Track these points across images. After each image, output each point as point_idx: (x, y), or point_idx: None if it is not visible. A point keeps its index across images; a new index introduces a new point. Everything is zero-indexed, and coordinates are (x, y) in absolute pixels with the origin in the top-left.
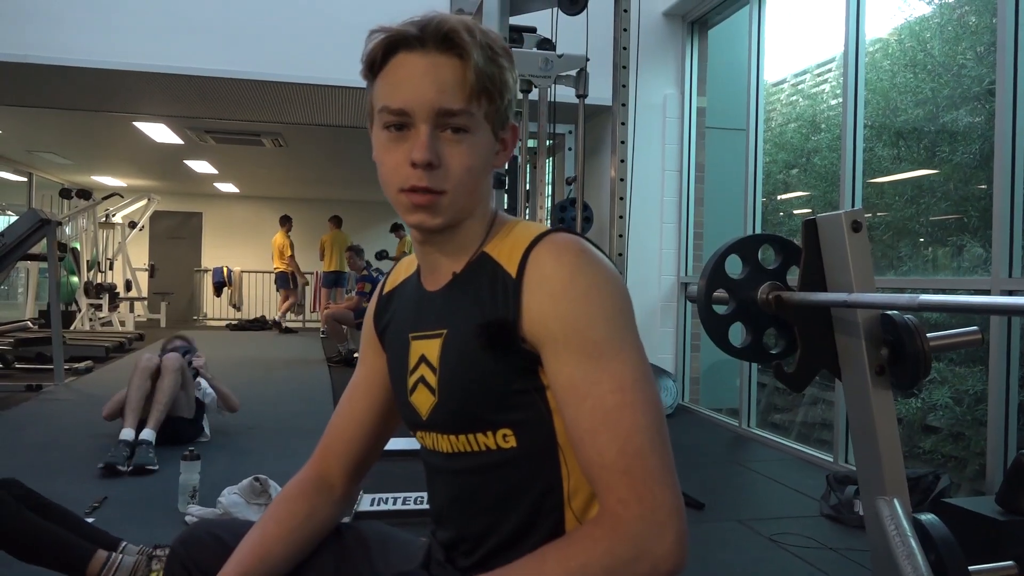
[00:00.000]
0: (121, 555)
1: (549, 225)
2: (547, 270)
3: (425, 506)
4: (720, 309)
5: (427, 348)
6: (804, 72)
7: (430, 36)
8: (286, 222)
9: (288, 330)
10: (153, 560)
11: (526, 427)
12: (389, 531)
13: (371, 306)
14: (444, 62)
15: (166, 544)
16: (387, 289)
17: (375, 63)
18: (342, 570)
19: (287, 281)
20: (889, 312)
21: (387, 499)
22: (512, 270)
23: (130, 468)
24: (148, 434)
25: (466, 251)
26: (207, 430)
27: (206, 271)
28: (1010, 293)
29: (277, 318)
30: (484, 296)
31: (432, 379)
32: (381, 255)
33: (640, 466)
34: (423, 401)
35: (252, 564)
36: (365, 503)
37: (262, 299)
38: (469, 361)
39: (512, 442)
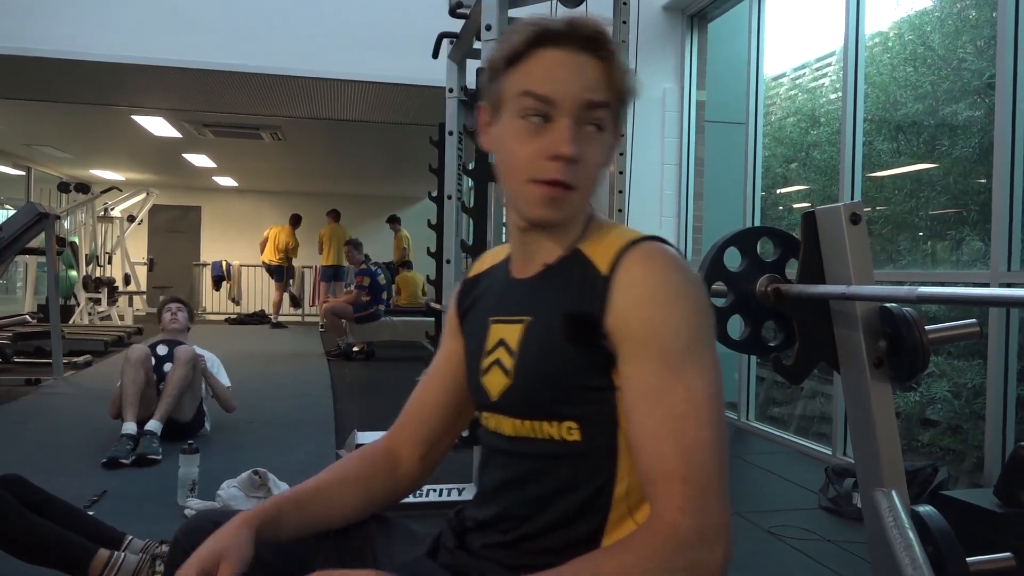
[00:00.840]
0: (124, 554)
1: None
2: (637, 274)
3: (430, 499)
4: (719, 302)
5: (507, 332)
6: (804, 66)
7: (579, 35)
8: (297, 221)
9: (280, 324)
10: (157, 561)
11: (592, 423)
12: (395, 522)
13: (455, 292)
14: (588, 61)
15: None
16: (472, 274)
17: (518, 54)
18: (347, 565)
19: (283, 274)
20: (888, 305)
21: None
22: (603, 268)
23: (133, 459)
24: (154, 425)
25: (562, 244)
26: (207, 425)
27: (205, 265)
28: (1009, 286)
29: (274, 318)
30: (572, 290)
31: (509, 362)
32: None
33: (701, 479)
34: (495, 382)
35: (289, 504)
36: None
37: (261, 293)
38: (549, 350)
39: (576, 436)
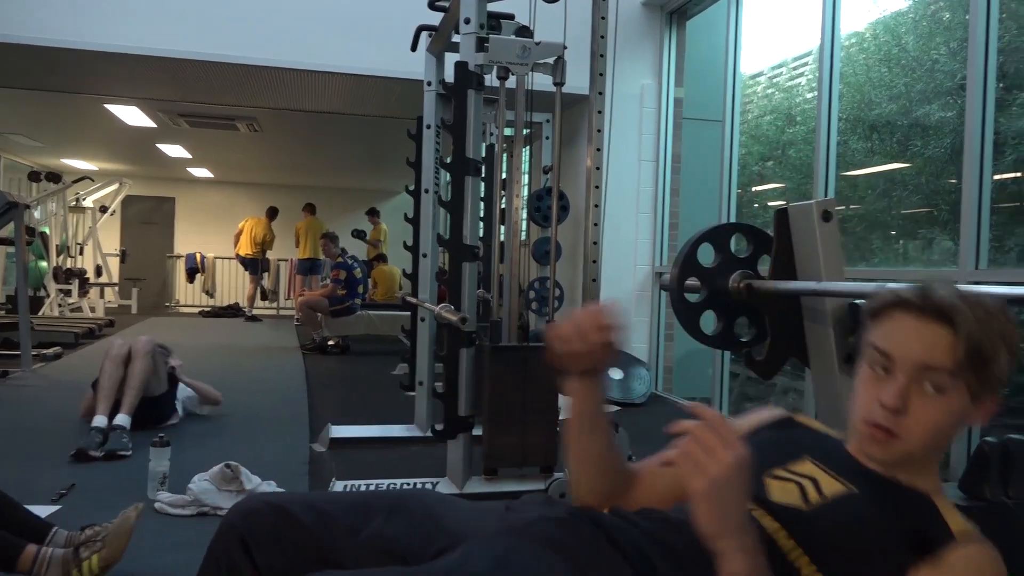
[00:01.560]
0: (51, 549)
1: (526, 215)
2: (981, 562)
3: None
4: (692, 297)
5: (824, 479)
6: (780, 65)
7: (927, 304)
8: (274, 214)
9: (254, 318)
10: (81, 548)
11: None
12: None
13: (772, 414)
14: (935, 328)
15: (92, 523)
16: (797, 419)
17: (877, 313)
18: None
19: (257, 267)
20: (857, 301)
21: (360, 486)
22: (954, 528)
23: (102, 453)
24: (123, 419)
25: (909, 478)
26: (180, 410)
27: (179, 257)
28: (977, 284)
29: (248, 311)
30: (916, 518)
31: (814, 497)
32: (357, 234)
33: None
34: (785, 493)
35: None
36: (337, 489)
37: (235, 286)
38: (863, 527)
39: None
